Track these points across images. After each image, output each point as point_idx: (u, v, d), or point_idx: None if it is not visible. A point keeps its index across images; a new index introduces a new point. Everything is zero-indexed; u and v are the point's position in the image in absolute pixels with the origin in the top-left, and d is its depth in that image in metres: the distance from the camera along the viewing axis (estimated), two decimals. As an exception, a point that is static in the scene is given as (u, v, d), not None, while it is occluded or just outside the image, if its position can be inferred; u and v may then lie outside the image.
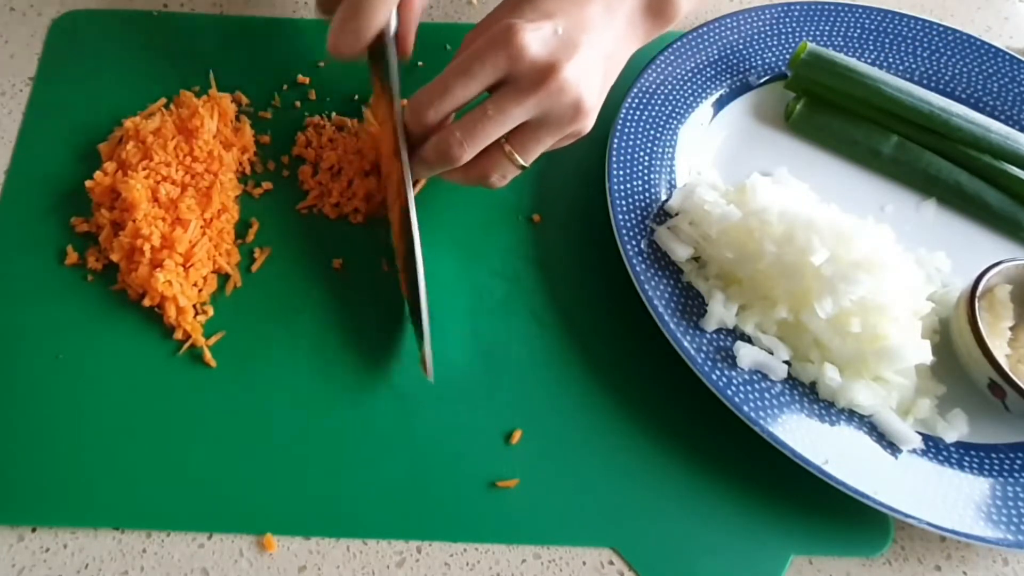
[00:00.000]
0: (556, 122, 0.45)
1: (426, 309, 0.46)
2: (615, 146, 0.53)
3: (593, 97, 0.45)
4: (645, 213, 0.51)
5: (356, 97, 0.57)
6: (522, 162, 0.46)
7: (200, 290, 0.48)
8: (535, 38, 0.43)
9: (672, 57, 0.57)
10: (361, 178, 0.52)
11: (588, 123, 0.46)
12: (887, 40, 0.60)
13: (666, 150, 0.54)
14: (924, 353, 0.46)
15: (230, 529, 0.43)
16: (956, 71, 0.59)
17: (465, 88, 0.44)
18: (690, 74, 0.57)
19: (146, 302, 0.47)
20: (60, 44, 0.58)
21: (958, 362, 0.48)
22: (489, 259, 0.51)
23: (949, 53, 0.60)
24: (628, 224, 0.50)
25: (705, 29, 0.58)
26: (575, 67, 0.43)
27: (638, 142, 0.53)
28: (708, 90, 0.57)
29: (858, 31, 0.60)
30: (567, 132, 0.46)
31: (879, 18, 0.61)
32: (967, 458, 0.46)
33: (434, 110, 0.45)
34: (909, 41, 0.60)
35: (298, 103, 0.56)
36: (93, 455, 0.44)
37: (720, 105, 0.57)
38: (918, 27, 0.60)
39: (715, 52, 0.58)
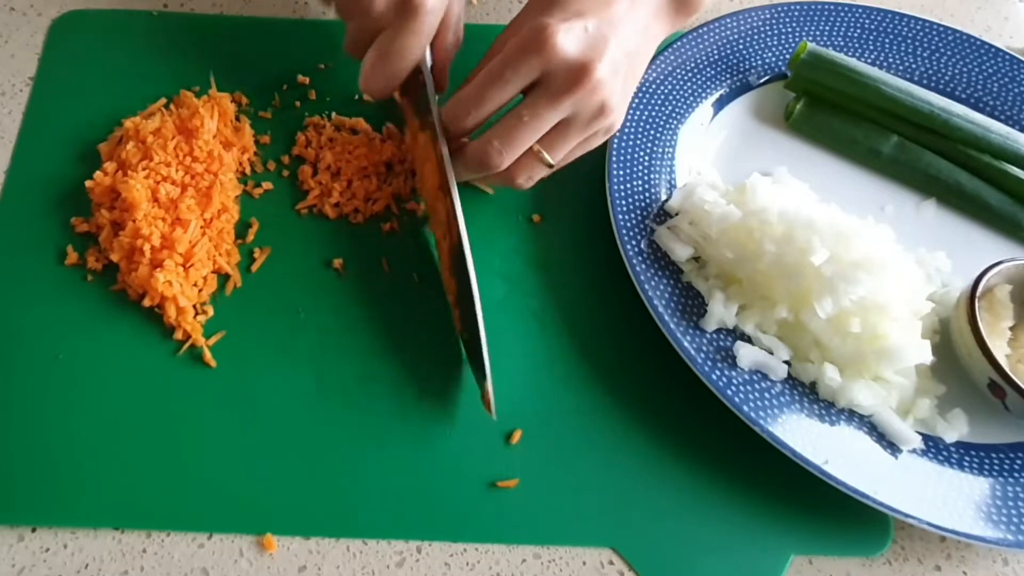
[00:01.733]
0: (584, 120, 0.45)
1: (486, 348, 0.45)
2: (615, 146, 0.53)
3: (620, 94, 0.46)
4: (645, 213, 0.51)
5: (356, 97, 0.57)
6: (551, 161, 0.46)
7: (200, 290, 0.48)
8: (568, 39, 0.43)
9: (672, 57, 0.57)
10: (361, 178, 0.53)
11: (616, 119, 0.46)
12: (887, 40, 0.60)
13: (666, 150, 0.54)
14: (924, 353, 0.46)
15: (230, 529, 0.43)
16: (956, 71, 0.59)
17: (501, 93, 0.44)
18: (690, 74, 0.57)
19: (146, 302, 0.47)
20: (60, 44, 0.58)
21: (958, 362, 0.48)
22: (489, 259, 0.51)
23: (949, 53, 0.60)
24: (628, 224, 0.50)
25: (705, 29, 0.58)
26: (606, 66, 0.44)
27: (638, 142, 0.53)
28: (708, 90, 0.57)
29: (858, 31, 0.60)
30: (594, 130, 0.46)
31: (879, 18, 0.61)
32: (967, 458, 0.46)
33: (472, 117, 0.45)
34: (909, 41, 0.60)
35: (298, 103, 0.56)
36: (93, 455, 0.44)
37: (720, 105, 0.57)
38: (918, 27, 0.60)
39: (715, 52, 0.58)
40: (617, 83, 0.45)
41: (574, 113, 0.44)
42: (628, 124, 0.54)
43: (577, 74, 0.43)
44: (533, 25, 0.44)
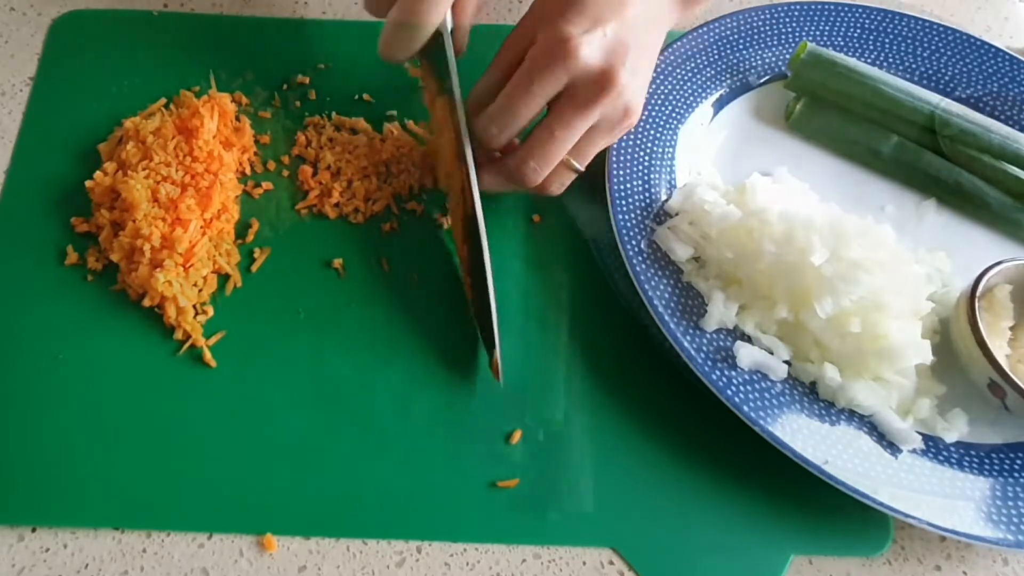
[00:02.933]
0: (611, 124, 0.46)
1: (495, 314, 0.46)
2: (615, 146, 0.53)
3: (642, 94, 0.47)
4: (645, 213, 0.51)
5: (356, 97, 0.57)
6: (579, 167, 0.47)
7: (200, 290, 0.48)
8: (590, 49, 0.44)
9: (672, 57, 0.57)
10: (361, 178, 0.53)
11: (637, 119, 0.47)
12: (887, 40, 0.60)
13: (666, 150, 0.54)
14: (924, 353, 0.46)
15: (230, 529, 0.43)
16: (956, 71, 0.59)
17: (529, 108, 0.45)
18: (690, 74, 0.57)
19: (146, 302, 0.47)
20: (60, 44, 0.58)
21: (958, 362, 0.48)
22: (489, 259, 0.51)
23: (949, 53, 0.60)
24: (628, 224, 0.50)
25: (705, 29, 0.58)
26: (627, 69, 0.44)
27: (638, 142, 0.53)
28: (708, 90, 0.57)
29: (858, 31, 0.60)
30: (619, 132, 0.47)
31: (879, 18, 0.61)
32: (967, 458, 0.46)
33: (504, 133, 0.46)
34: (909, 41, 0.60)
35: (298, 103, 0.56)
36: (93, 455, 0.44)
37: (720, 105, 0.57)
38: (918, 27, 0.60)
39: (715, 52, 0.58)
40: (638, 83, 0.46)
41: (601, 119, 0.45)
42: (628, 124, 0.54)
43: (602, 82, 0.44)
44: (554, 35, 0.44)
